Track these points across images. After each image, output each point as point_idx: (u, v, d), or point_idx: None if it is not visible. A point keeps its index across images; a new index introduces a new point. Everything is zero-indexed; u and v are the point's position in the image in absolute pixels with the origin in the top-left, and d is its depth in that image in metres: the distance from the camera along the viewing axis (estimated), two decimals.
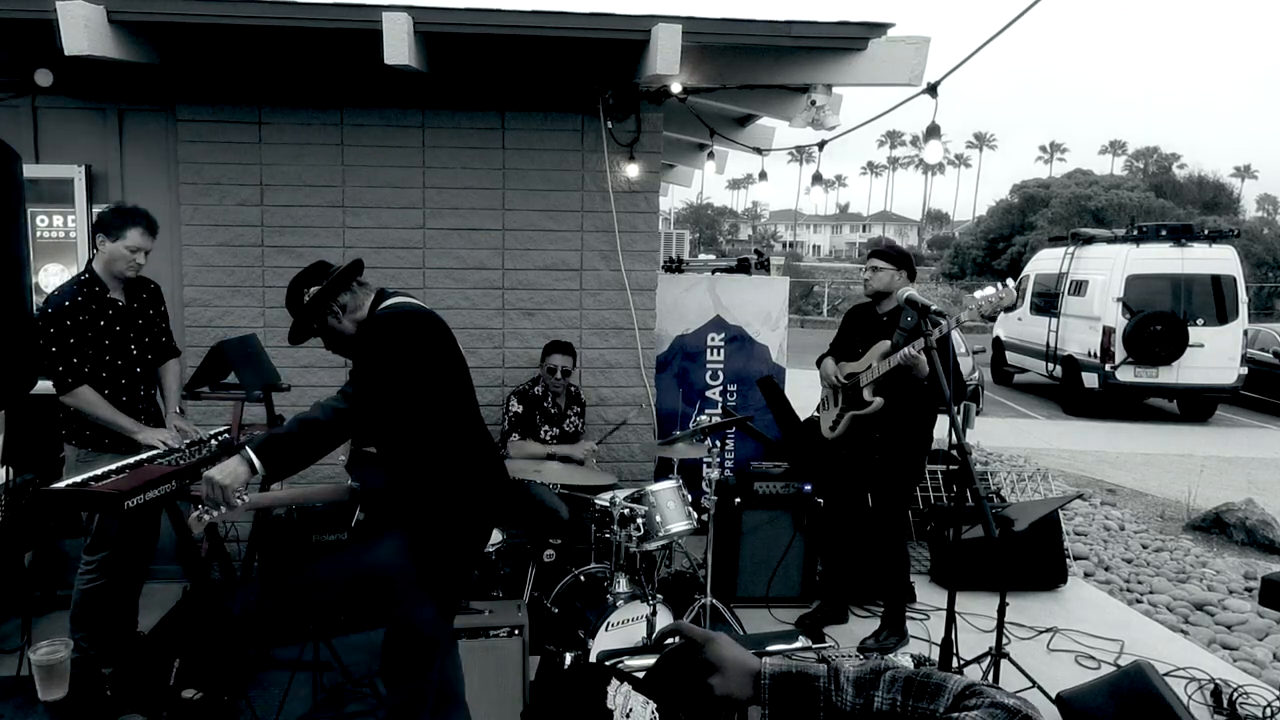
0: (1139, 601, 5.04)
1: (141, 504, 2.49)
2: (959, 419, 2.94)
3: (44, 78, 4.15)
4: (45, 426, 3.58)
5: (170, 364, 3.59)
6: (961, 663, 3.44)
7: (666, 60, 3.71)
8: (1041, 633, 4.24)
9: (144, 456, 2.94)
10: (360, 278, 2.60)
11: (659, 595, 3.39)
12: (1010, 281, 3.55)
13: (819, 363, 4.18)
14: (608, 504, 3.52)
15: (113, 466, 2.76)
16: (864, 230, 76.74)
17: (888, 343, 3.77)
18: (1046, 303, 12.93)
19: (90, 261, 3.30)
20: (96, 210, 3.58)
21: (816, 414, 4.37)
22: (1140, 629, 4.41)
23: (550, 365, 4.32)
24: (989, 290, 3.44)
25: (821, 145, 6.39)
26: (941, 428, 3.87)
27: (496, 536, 3.71)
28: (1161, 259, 11.25)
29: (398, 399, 2.40)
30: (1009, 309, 3.59)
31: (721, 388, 5.57)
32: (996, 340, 14.85)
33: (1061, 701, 3.22)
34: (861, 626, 4.18)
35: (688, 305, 5.51)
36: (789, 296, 6.20)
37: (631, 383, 4.84)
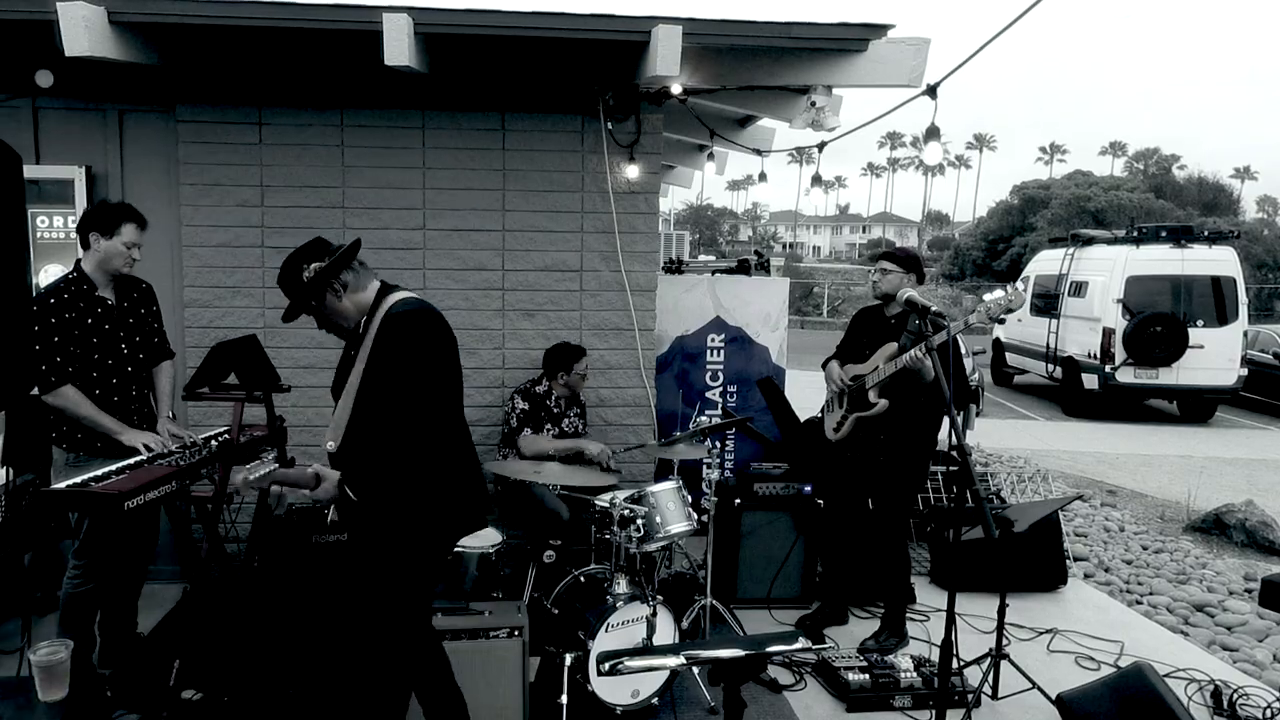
0: (1139, 603, 5.04)
1: (142, 504, 2.49)
2: (959, 420, 2.94)
3: (44, 78, 4.15)
4: (43, 427, 3.57)
5: (164, 365, 3.51)
6: (961, 664, 3.44)
7: (667, 61, 3.71)
8: (1041, 634, 4.24)
9: (132, 461, 2.90)
10: (359, 257, 2.56)
11: (659, 596, 3.39)
12: (1020, 284, 3.57)
13: (824, 366, 4.19)
14: (608, 505, 3.52)
15: (113, 467, 2.76)
16: (864, 231, 76.74)
17: (895, 345, 3.77)
18: (1046, 304, 12.93)
19: (79, 261, 3.22)
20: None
21: (820, 416, 4.38)
22: (1140, 630, 4.41)
23: (581, 371, 4.34)
24: (998, 293, 3.46)
25: (821, 146, 6.40)
26: (942, 429, 3.88)
27: (496, 537, 3.72)
28: (1161, 260, 11.26)
29: (413, 396, 2.37)
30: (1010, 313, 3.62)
31: (721, 389, 5.58)
32: (996, 341, 14.85)
33: (1061, 703, 3.22)
34: (861, 628, 4.18)
35: (688, 306, 5.52)
36: (789, 297, 6.20)
37: (631, 384, 4.84)
